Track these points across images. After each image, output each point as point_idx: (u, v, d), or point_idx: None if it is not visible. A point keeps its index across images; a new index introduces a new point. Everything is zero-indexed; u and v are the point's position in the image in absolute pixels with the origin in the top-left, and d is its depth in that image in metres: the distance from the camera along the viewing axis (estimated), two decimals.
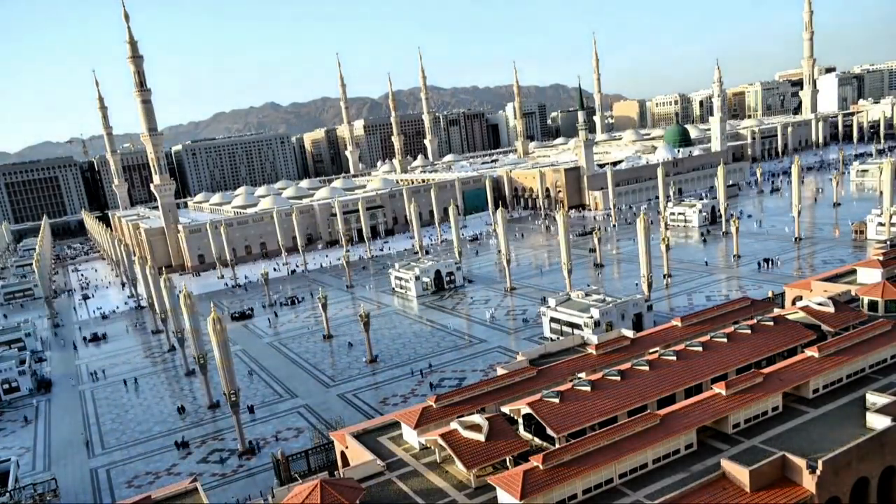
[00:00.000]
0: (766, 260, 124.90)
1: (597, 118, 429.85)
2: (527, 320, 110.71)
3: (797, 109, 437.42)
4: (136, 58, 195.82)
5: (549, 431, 48.98)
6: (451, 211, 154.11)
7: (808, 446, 45.12)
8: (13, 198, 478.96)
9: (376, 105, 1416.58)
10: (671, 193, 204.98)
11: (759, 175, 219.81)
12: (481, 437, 47.44)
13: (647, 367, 56.19)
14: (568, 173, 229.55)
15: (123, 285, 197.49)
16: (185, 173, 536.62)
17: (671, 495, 39.85)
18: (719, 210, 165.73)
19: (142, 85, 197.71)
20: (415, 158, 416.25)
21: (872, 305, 68.30)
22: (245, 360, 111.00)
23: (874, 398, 48.43)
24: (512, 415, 54.16)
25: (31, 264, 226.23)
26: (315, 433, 76.23)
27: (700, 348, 59.28)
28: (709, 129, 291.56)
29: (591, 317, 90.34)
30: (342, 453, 59.72)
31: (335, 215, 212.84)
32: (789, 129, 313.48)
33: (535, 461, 42.32)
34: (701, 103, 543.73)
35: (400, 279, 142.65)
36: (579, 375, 59.34)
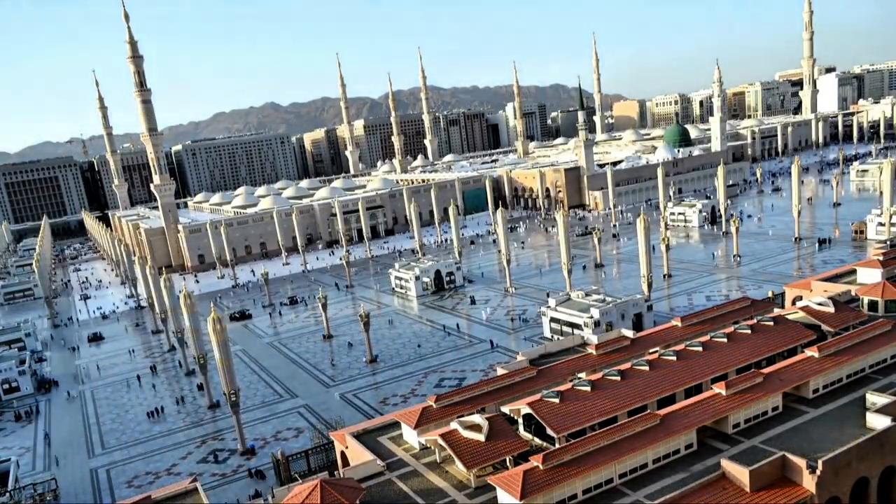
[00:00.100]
0: (823, 241, 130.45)
1: (597, 118, 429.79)
2: (526, 320, 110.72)
3: (797, 109, 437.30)
4: (136, 58, 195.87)
5: (549, 431, 48.99)
6: (451, 211, 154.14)
7: (808, 446, 45.13)
8: (13, 198, 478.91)
9: (376, 105, 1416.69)
10: (671, 193, 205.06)
11: (759, 175, 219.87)
12: (481, 437, 47.44)
13: (647, 367, 56.19)
14: (568, 173, 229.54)
15: (123, 284, 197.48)
16: (185, 173, 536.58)
17: (671, 495, 39.85)
18: (719, 210, 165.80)
19: (142, 85, 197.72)
20: (415, 158, 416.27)
21: (872, 305, 68.32)
22: (245, 360, 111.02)
23: (874, 398, 48.43)
24: (512, 415, 54.16)
25: (31, 264, 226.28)
26: (315, 433, 76.22)
27: (700, 348, 59.29)
28: (709, 129, 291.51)
29: (591, 317, 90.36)
30: (342, 453, 59.73)
31: (335, 215, 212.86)
32: (789, 129, 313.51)
33: (535, 461, 42.32)
34: (701, 103, 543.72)
35: (400, 279, 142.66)
36: (579, 375, 59.36)
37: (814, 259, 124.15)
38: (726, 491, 40.27)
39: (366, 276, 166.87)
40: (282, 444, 76.43)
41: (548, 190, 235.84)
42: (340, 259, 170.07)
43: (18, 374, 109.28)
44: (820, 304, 66.38)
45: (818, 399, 52.50)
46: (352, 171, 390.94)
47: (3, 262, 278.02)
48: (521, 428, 53.48)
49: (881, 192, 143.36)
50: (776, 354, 59.82)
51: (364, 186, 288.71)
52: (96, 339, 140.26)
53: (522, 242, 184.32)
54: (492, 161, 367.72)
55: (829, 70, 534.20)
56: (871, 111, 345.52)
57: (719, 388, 50.49)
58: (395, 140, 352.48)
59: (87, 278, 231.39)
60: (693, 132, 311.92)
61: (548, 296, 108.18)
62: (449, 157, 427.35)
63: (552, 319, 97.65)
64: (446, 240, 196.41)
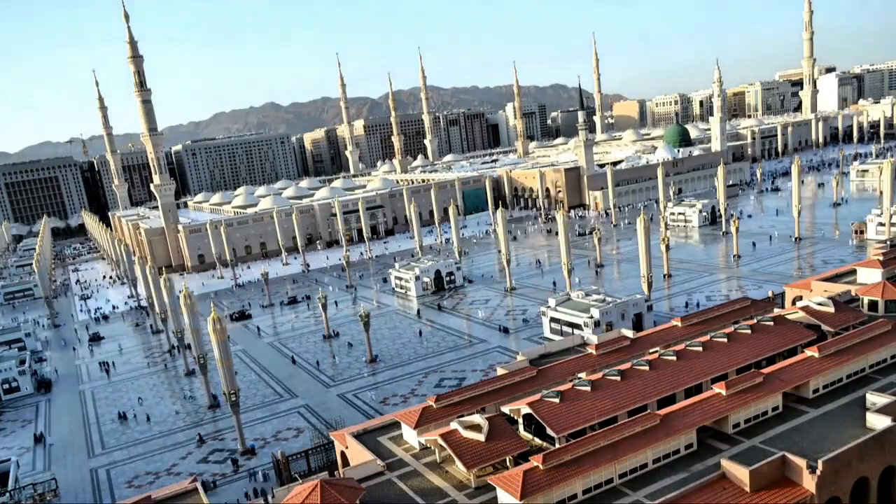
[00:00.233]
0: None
1: (597, 118, 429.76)
2: (526, 320, 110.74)
3: (797, 109, 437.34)
4: (136, 58, 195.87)
5: (549, 431, 48.99)
6: (451, 211, 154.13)
7: (808, 446, 45.12)
8: (13, 198, 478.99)
9: (376, 105, 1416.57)
10: (671, 193, 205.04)
11: (759, 175, 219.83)
12: (481, 437, 47.43)
13: (647, 367, 56.18)
14: (568, 173, 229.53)
15: (123, 284, 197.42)
16: (185, 173, 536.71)
17: (671, 495, 39.84)
18: (719, 210, 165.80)
19: (142, 85, 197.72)
20: (415, 158, 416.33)
21: (872, 305, 68.32)
22: (245, 360, 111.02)
23: (874, 398, 48.42)
24: (512, 415, 54.15)
25: (31, 264, 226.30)
26: (314, 433, 76.21)
27: (700, 348, 59.28)
28: (709, 129, 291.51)
29: (591, 317, 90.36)
30: (342, 453, 59.74)
31: (335, 215, 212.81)
32: (789, 129, 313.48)
33: (535, 461, 42.31)
34: (701, 103, 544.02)
35: (400, 279, 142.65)
36: (579, 375, 59.33)
37: (814, 259, 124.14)
38: (726, 491, 40.27)
39: (366, 276, 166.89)
40: (282, 444, 76.42)
41: (548, 190, 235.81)
42: (340, 259, 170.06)
43: (18, 374, 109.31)
44: (820, 304, 66.36)
45: (818, 399, 52.49)
46: (352, 171, 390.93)
47: (3, 263, 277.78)
48: (521, 428, 53.48)
49: (881, 192, 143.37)
50: (776, 354, 59.80)
51: (364, 186, 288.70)
52: (96, 339, 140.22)
53: (515, 237, 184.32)
54: (492, 161, 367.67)
55: (829, 70, 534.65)
56: (871, 111, 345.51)
57: (719, 388, 50.48)
58: (395, 140, 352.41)
59: (86, 280, 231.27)
60: (693, 132, 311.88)
61: (554, 287, 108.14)
62: (449, 157, 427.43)
63: (552, 319, 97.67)
64: (447, 240, 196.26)
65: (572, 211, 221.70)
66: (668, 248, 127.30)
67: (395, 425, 57.77)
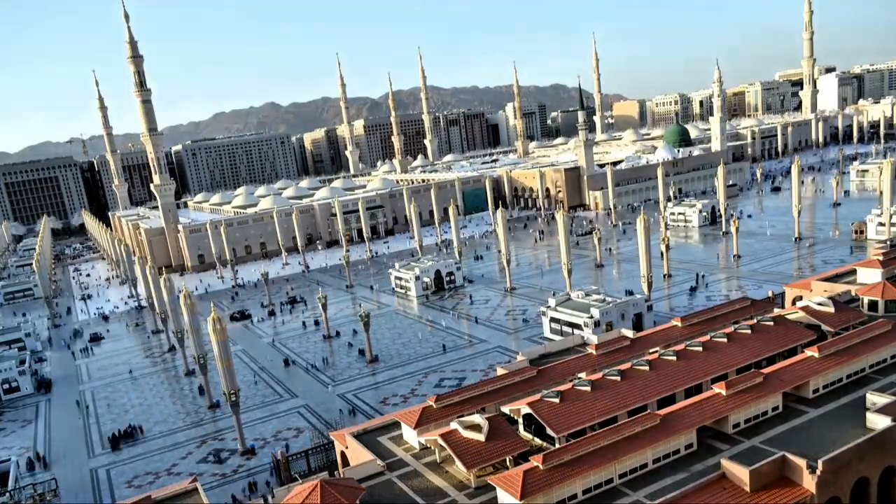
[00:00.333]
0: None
1: (597, 118, 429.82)
2: (527, 320, 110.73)
3: (797, 109, 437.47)
4: (136, 58, 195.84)
5: (549, 431, 48.98)
6: (451, 211, 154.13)
7: (808, 446, 45.10)
8: (13, 198, 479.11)
9: (376, 105, 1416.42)
10: (671, 193, 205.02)
11: (759, 175, 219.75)
12: (481, 437, 47.43)
13: (647, 367, 56.17)
14: (568, 173, 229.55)
15: (123, 284, 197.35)
16: (185, 173, 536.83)
17: (671, 495, 39.84)
18: (719, 210, 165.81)
19: (142, 85, 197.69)
20: (415, 158, 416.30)
21: (872, 305, 68.33)
22: (245, 360, 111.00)
23: (874, 398, 48.42)
24: (512, 415, 54.15)
25: (31, 264, 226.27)
26: (314, 433, 76.18)
27: (700, 348, 59.27)
28: (709, 129, 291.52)
29: (591, 317, 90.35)
30: (342, 453, 59.74)
31: (335, 215, 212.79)
32: (789, 129, 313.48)
33: (535, 461, 42.30)
34: (701, 103, 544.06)
35: (400, 279, 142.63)
36: (579, 375, 59.34)
37: (814, 259, 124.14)
38: (726, 491, 40.27)
39: (366, 276, 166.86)
40: (282, 444, 76.40)
41: (548, 190, 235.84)
42: (340, 259, 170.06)
43: (18, 374, 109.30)
44: (820, 304, 66.37)
45: (818, 399, 52.49)
46: (352, 171, 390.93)
47: (3, 263, 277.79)
48: (521, 428, 53.47)
49: (881, 192, 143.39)
50: (776, 354, 59.81)
51: (364, 186, 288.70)
52: (96, 339, 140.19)
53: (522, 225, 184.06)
54: (492, 161, 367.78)
55: (829, 70, 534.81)
56: (871, 111, 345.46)
57: (719, 388, 50.48)
58: (395, 140, 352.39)
59: (86, 281, 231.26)
60: (693, 132, 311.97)
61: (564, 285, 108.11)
62: (449, 157, 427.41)
63: (552, 319, 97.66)
64: (446, 240, 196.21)
65: (571, 211, 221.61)
66: (668, 248, 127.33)
67: (395, 425, 57.77)
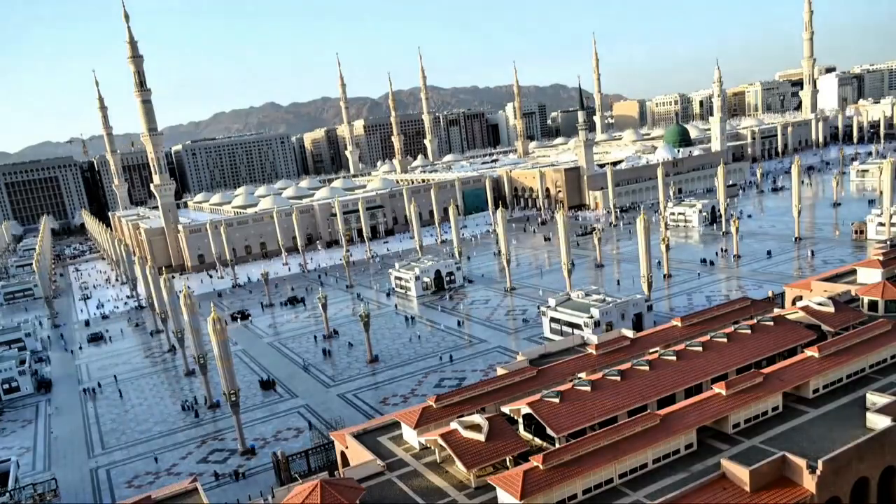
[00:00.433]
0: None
1: (597, 118, 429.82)
2: (527, 320, 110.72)
3: (797, 109, 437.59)
4: (136, 58, 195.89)
5: (549, 431, 48.98)
6: (451, 211, 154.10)
7: (808, 446, 45.11)
8: (13, 198, 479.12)
9: (376, 105, 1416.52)
10: (671, 193, 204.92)
11: (759, 175, 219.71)
12: (481, 437, 47.43)
13: (647, 367, 56.17)
14: (568, 173, 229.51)
15: (123, 284, 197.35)
16: (185, 173, 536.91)
17: (671, 495, 39.84)
18: (719, 210, 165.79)
19: (142, 85, 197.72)
20: (415, 158, 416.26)
21: (872, 305, 68.32)
22: (245, 360, 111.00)
23: (874, 398, 48.42)
24: (512, 415, 54.14)
25: (31, 264, 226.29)
26: (314, 433, 76.18)
27: (700, 348, 59.27)
28: (709, 129, 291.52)
29: (591, 317, 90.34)
30: (342, 453, 59.73)
31: (335, 215, 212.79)
32: (789, 129, 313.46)
33: (535, 461, 42.30)
34: (701, 103, 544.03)
35: (400, 279, 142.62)
36: (579, 375, 59.33)
37: (814, 259, 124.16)
38: (726, 491, 40.26)
39: (366, 276, 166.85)
40: (282, 444, 76.42)
41: (548, 190, 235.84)
42: (340, 259, 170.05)
43: (18, 374, 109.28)
44: (820, 304, 66.36)
45: (818, 399, 52.48)
46: (352, 171, 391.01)
47: (3, 263, 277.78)
48: (521, 428, 53.47)
49: (881, 192, 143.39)
50: (776, 354, 59.80)
51: (364, 186, 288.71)
52: (96, 339, 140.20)
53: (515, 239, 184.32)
54: (492, 161, 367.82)
55: (829, 70, 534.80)
56: (871, 111, 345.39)
57: (719, 388, 50.48)
58: (395, 140, 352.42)
59: (86, 281, 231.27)
60: (693, 132, 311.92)
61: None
62: (449, 157, 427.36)
63: (552, 319, 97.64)
64: (446, 240, 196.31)
65: (572, 210, 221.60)
66: (668, 248, 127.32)
67: (395, 425, 57.77)
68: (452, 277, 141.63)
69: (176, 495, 50.10)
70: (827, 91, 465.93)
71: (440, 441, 48.73)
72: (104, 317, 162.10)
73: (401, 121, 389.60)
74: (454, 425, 49.55)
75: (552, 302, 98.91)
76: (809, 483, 39.83)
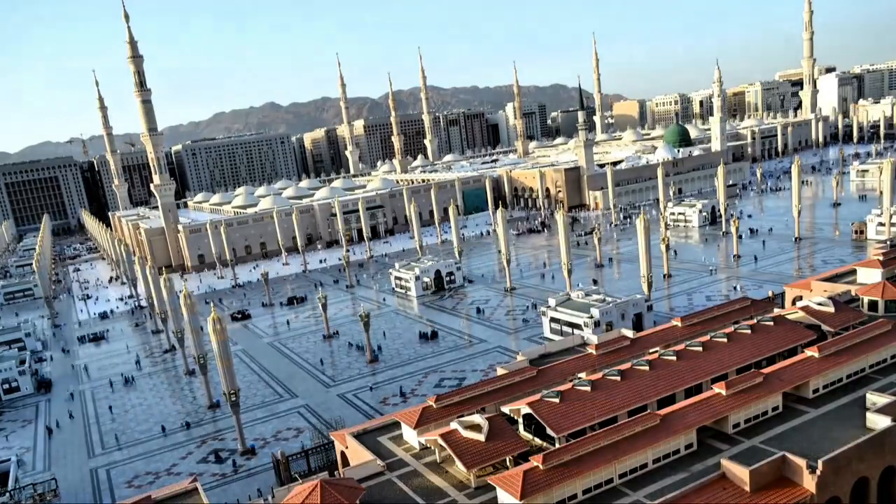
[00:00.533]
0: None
1: (597, 118, 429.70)
2: (526, 320, 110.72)
3: (797, 109, 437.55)
4: (136, 58, 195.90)
5: (549, 431, 48.99)
6: (451, 211, 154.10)
7: (808, 446, 45.11)
8: (13, 198, 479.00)
9: (376, 105, 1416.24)
10: (671, 193, 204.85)
11: (759, 175, 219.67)
12: (481, 437, 47.44)
13: (647, 367, 56.18)
14: (568, 173, 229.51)
15: (123, 284, 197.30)
16: (185, 173, 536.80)
17: (671, 495, 39.84)
18: (719, 210, 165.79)
19: (142, 85, 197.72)
20: (415, 158, 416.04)
21: (872, 305, 68.33)
22: (245, 360, 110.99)
23: (874, 398, 48.43)
24: (512, 415, 54.16)
25: (31, 264, 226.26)
26: (315, 433, 76.18)
27: (700, 348, 59.28)
28: (709, 129, 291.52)
29: (591, 317, 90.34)
30: (342, 453, 59.74)
31: (335, 215, 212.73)
32: (789, 129, 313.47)
33: (535, 461, 42.31)
34: (701, 103, 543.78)
35: (400, 279, 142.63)
36: (579, 375, 59.34)
37: (814, 259, 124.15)
38: (726, 491, 40.26)
39: (366, 277, 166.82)
40: (282, 444, 76.40)
41: (548, 190, 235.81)
42: (340, 259, 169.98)
43: (18, 374, 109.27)
44: (820, 304, 66.37)
45: (818, 399, 52.49)
46: (352, 171, 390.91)
47: (3, 262, 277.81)
48: (521, 428, 53.48)
49: (881, 192, 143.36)
50: (776, 354, 59.81)
51: (364, 186, 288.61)
52: (96, 339, 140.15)
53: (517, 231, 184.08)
54: (492, 161, 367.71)
55: (829, 70, 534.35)
56: (871, 111, 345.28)
57: (719, 388, 50.48)
58: (395, 140, 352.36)
59: (85, 276, 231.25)
60: (693, 132, 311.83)
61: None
62: (449, 157, 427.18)
63: (552, 319, 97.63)
64: (446, 241, 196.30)
65: (573, 210, 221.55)
66: (668, 248, 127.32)
67: (395, 425, 57.78)
68: (452, 277, 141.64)
69: (176, 495, 50.11)
70: (827, 91, 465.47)
71: (440, 441, 48.74)
72: (104, 317, 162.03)
73: (401, 121, 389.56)
74: (454, 425, 49.56)
75: (552, 302, 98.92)
76: (809, 483, 39.84)
